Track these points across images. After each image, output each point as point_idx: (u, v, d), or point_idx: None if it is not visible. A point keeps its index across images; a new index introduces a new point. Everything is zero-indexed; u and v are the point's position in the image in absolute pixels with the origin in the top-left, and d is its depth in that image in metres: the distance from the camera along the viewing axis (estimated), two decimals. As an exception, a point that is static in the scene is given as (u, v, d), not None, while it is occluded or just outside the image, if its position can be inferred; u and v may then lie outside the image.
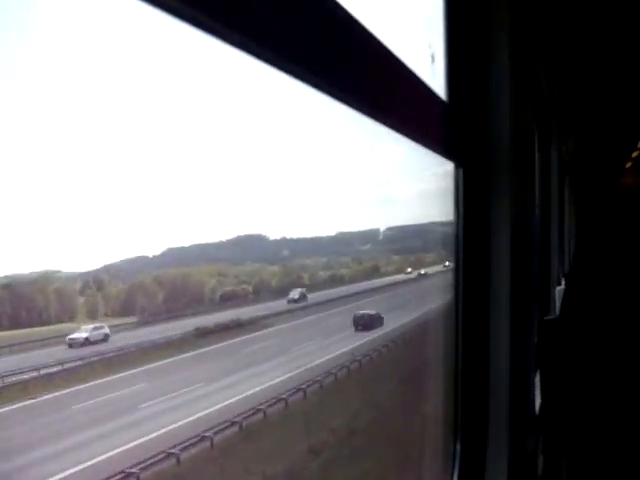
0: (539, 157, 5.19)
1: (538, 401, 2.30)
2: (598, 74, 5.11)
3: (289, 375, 12.87)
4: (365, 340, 14.92)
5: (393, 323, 15.41)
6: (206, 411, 10.81)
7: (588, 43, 4.07)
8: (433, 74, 2.01)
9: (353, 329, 15.51)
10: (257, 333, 14.92)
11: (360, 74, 1.19)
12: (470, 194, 1.98)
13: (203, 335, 14.08)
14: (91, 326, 12.30)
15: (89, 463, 8.38)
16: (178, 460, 8.82)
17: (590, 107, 6.19)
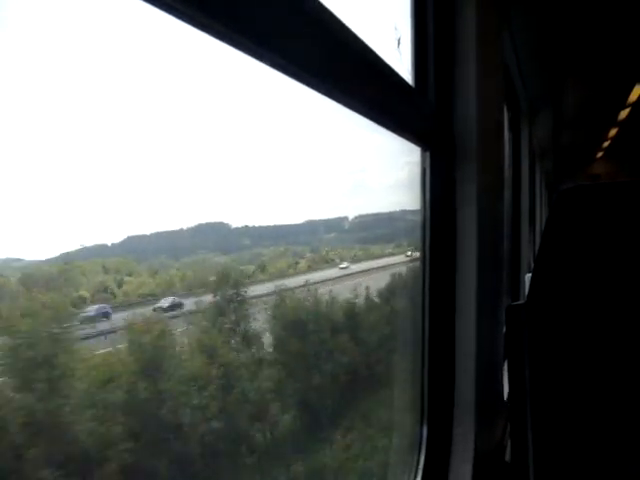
0: (510, 143, 5.22)
1: (507, 387, 2.30)
2: (570, 63, 5.13)
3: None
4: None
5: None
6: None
7: (559, 22, 4.07)
8: (400, 58, 1.99)
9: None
10: None
11: (326, 58, 1.17)
12: (437, 178, 1.97)
13: None
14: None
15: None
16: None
17: (562, 95, 6.23)
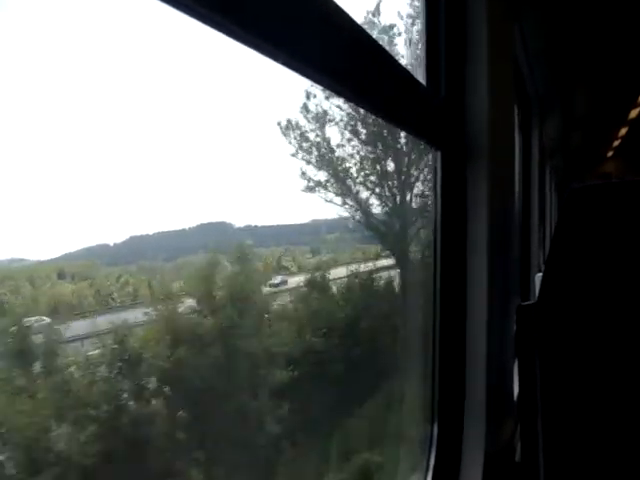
0: (520, 142, 5.20)
1: (517, 387, 2.30)
2: (580, 62, 5.10)
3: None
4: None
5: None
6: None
7: (570, 21, 4.05)
8: (411, 56, 1.99)
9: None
10: None
11: (338, 57, 1.17)
12: (448, 177, 1.97)
13: None
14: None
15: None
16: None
17: (572, 94, 6.21)
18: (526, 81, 4.71)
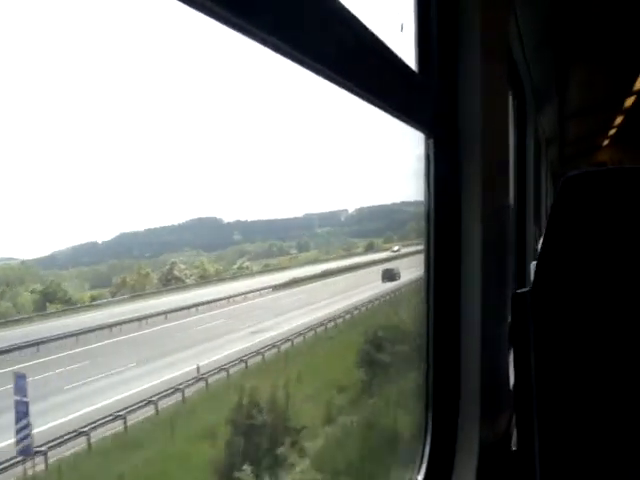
0: (515, 131, 5.19)
1: (512, 375, 2.30)
2: (575, 51, 5.09)
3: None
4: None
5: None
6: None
7: (565, 10, 4.04)
8: (404, 44, 1.97)
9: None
10: None
11: (330, 44, 1.16)
12: (441, 164, 1.96)
13: None
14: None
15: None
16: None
17: (567, 83, 6.20)
18: (521, 70, 4.69)
